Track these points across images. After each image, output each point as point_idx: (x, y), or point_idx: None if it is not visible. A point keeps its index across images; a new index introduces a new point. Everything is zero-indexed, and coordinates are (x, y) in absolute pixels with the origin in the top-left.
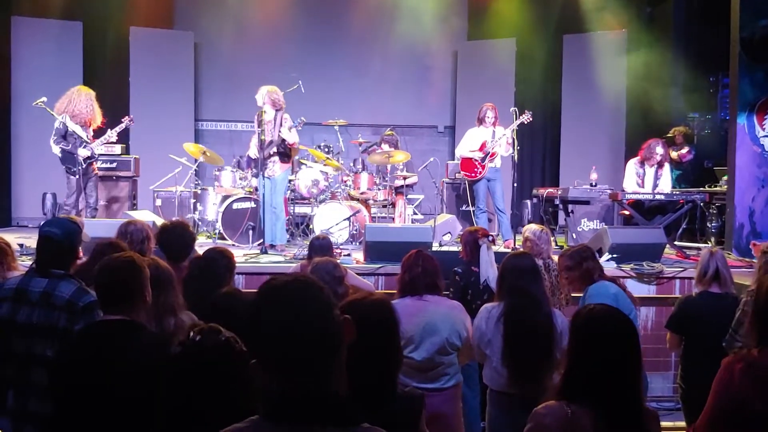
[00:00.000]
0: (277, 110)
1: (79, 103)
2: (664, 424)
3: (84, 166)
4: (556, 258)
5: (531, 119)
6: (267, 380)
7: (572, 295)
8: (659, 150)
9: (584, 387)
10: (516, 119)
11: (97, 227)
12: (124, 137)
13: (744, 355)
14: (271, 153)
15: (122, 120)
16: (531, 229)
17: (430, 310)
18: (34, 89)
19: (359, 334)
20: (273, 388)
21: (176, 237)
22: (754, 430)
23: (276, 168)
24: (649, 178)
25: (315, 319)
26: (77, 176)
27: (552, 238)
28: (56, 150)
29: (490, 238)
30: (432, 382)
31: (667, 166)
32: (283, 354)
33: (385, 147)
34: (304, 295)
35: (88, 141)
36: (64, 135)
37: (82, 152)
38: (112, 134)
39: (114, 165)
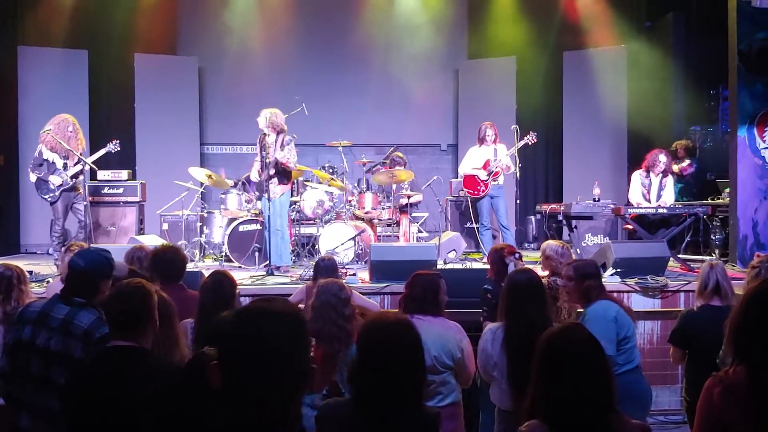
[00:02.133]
0: (277, 133)
1: (53, 131)
2: None
3: (56, 192)
4: None
5: (535, 141)
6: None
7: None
8: (662, 158)
9: (551, 409)
10: (518, 137)
11: None
12: (130, 163)
13: (721, 377)
14: (270, 174)
15: (106, 145)
16: (551, 246)
17: (421, 329)
18: (40, 117)
19: (382, 353)
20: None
21: (169, 260)
22: None
23: (276, 190)
24: (653, 189)
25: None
26: (54, 203)
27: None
28: (32, 177)
29: (517, 255)
30: (425, 400)
31: (670, 180)
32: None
33: (400, 169)
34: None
35: (62, 168)
36: (41, 163)
37: (54, 179)
38: (87, 161)
39: (121, 191)
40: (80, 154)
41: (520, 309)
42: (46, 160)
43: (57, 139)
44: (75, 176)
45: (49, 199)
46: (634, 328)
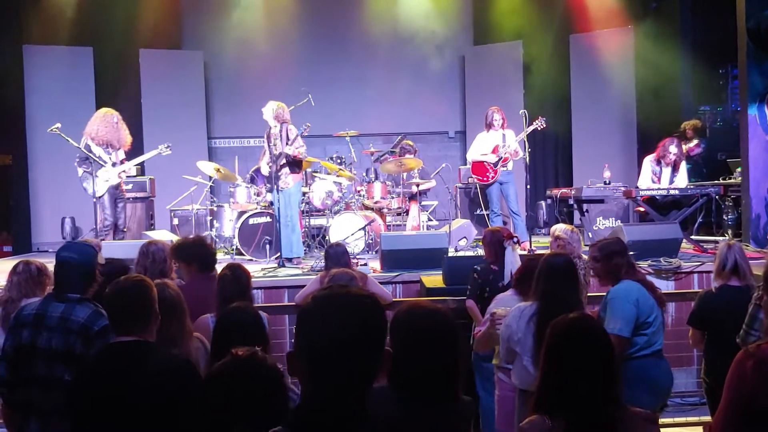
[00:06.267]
0: (281, 124)
1: (98, 125)
2: (689, 419)
3: (104, 187)
4: (585, 257)
5: (544, 126)
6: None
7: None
8: (673, 149)
9: (557, 399)
10: (526, 122)
11: (118, 248)
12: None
13: (754, 350)
14: (281, 165)
15: (157, 146)
16: (561, 228)
17: None
18: (48, 116)
19: (422, 342)
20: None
21: (200, 249)
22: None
23: (289, 180)
24: (665, 177)
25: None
26: (101, 197)
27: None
28: (78, 171)
29: (515, 239)
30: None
31: (683, 166)
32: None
33: (409, 157)
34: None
35: (104, 164)
36: (86, 158)
37: (103, 174)
38: (135, 161)
39: (130, 186)
40: (126, 150)
41: (558, 290)
42: (93, 154)
43: (99, 132)
44: (121, 174)
45: (93, 193)
46: (660, 313)
